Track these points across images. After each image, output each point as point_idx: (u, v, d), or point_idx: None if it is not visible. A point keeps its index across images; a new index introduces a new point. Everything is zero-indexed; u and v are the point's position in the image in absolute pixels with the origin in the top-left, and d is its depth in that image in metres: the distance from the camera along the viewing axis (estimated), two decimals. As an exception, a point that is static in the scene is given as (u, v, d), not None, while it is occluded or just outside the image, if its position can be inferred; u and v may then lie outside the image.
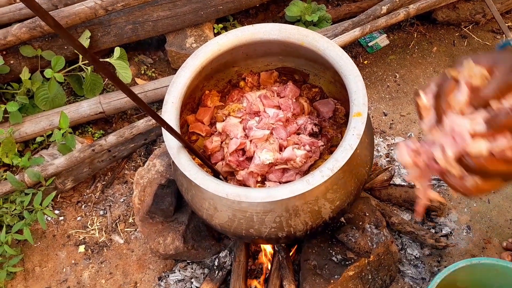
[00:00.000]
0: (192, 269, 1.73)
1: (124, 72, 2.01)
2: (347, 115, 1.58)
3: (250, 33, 1.37)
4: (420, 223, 1.80)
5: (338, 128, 1.58)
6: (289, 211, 1.18)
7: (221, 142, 1.47)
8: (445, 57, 2.34)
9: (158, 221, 1.64)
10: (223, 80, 1.66)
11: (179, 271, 1.74)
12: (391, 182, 1.84)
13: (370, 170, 1.45)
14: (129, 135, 1.92)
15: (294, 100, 1.58)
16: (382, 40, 2.44)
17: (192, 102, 1.61)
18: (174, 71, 2.37)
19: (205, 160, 1.25)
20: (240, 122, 1.47)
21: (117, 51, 2.01)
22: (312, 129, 1.49)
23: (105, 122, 2.21)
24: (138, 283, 1.76)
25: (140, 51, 2.43)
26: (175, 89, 1.32)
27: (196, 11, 2.21)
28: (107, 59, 2.02)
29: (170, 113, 1.28)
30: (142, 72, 2.37)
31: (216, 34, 2.39)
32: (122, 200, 1.98)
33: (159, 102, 2.20)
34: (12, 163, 1.89)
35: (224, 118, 1.53)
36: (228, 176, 1.43)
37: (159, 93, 2.12)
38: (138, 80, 2.34)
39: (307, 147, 1.36)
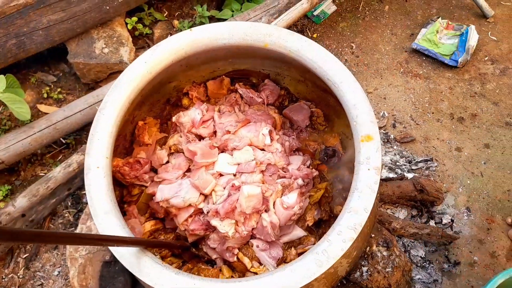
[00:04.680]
0: None
1: (19, 107, 1.49)
2: (327, 119, 1.25)
3: (190, 41, 0.96)
4: (418, 216, 1.58)
5: (319, 138, 1.25)
6: (301, 289, 0.85)
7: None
8: (400, 16, 2.08)
9: (113, 305, 1.23)
10: (158, 102, 1.24)
11: None
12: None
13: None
14: (45, 191, 1.44)
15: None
16: (329, 7, 2.11)
17: (123, 141, 1.18)
18: (86, 86, 1.86)
19: (178, 246, 0.88)
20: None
21: (2, 80, 1.46)
22: (293, 144, 1.16)
23: (9, 172, 1.68)
24: None
25: (37, 68, 1.87)
26: (96, 145, 0.89)
27: (99, 6, 1.70)
28: (-10, 93, 1.48)
29: (96, 183, 0.86)
30: (45, 95, 1.82)
31: (131, 31, 1.90)
32: (56, 273, 1.52)
33: (77, 132, 1.71)
34: None
35: (167, 158, 1.13)
36: (201, 242, 1.06)
37: (72, 122, 1.62)
38: (41, 107, 1.80)
39: (300, 181, 1.02)
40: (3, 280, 1.52)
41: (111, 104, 0.91)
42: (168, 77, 1.13)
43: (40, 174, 1.69)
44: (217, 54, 1.07)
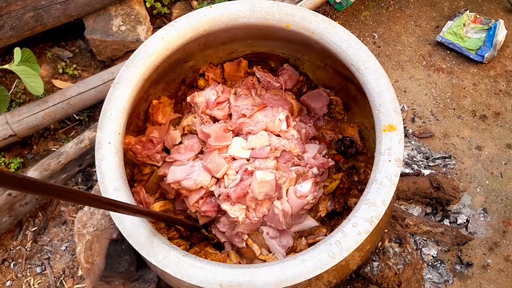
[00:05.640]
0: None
1: (33, 81, 1.48)
2: (346, 107, 1.21)
3: (210, 18, 0.93)
4: (432, 213, 1.54)
5: (337, 127, 1.21)
6: (310, 280, 0.83)
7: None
8: (425, 7, 2.00)
9: (118, 283, 1.22)
10: (174, 81, 1.21)
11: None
12: (395, 173, 1.54)
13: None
14: (56, 166, 1.43)
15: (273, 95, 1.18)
16: (351, -6, 2.04)
17: (136, 119, 1.15)
18: (101, 63, 1.84)
19: (189, 224, 0.86)
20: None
21: (18, 53, 1.45)
22: (310, 132, 1.12)
23: (21, 146, 1.68)
24: None
25: (53, 43, 1.85)
26: (109, 121, 0.86)
27: (117, -18, 1.67)
28: (6, 66, 1.47)
29: (107, 159, 0.84)
30: (60, 71, 1.81)
31: (149, 10, 1.87)
32: (63, 248, 1.53)
33: (90, 109, 1.69)
34: None
35: (180, 138, 1.11)
36: (210, 225, 1.04)
37: (86, 99, 1.60)
38: (56, 82, 1.80)
39: (315, 170, 0.99)
40: (11, 251, 1.52)
41: (126, 79, 0.89)
42: (185, 56, 1.10)
43: (52, 149, 1.68)
44: (236, 34, 1.03)
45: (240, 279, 0.73)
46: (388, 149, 0.78)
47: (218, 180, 1.03)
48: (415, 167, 1.61)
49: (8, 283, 1.48)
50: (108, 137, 0.85)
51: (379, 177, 0.76)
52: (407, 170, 1.59)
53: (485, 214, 1.54)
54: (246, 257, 1.03)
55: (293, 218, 0.99)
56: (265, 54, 1.21)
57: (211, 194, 1.00)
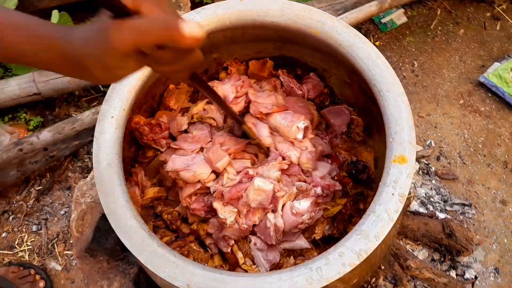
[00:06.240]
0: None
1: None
2: (367, 130, 1.15)
3: (237, 11, 0.90)
4: (439, 261, 1.44)
5: (353, 148, 1.15)
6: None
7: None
8: (474, 44, 1.90)
9: (102, 259, 1.21)
10: (196, 70, 1.19)
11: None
12: (407, 210, 1.46)
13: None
14: (70, 131, 1.45)
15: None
16: (399, 17, 1.97)
17: (151, 100, 1.14)
18: (138, 41, 1.85)
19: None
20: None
21: (55, 16, 1.48)
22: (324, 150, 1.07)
23: (45, 105, 1.72)
24: (78, 327, 1.37)
25: (92, 13, 1.88)
26: (116, 95, 0.85)
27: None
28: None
29: (106, 132, 0.82)
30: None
31: (195, 3, 1.87)
32: (62, 212, 1.54)
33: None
34: None
35: (187, 126, 1.08)
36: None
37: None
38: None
39: (319, 190, 0.94)
40: (13, 205, 1.55)
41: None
42: (209, 46, 1.08)
43: (73, 114, 1.71)
44: (265, 33, 0.99)
45: (210, 284, 0.69)
46: (394, 182, 0.72)
47: (217, 176, 1.00)
48: (431, 207, 1.52)
49: (3, 235, 1.50)
50: (113, 111, 0.84)
51: (378, 209, 0.71)
52: (421, 209, 1.50)
53: (496, 274, 1.44)
54: (229, 263, 0.99)
55: (284, 235, 0.94)
56: (293, 59, 1.17)
57: (205, 192, 0.97)
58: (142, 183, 1.05)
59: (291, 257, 0.95)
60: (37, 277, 1.38)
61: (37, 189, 1.58)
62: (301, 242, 0.94)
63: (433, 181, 1.59)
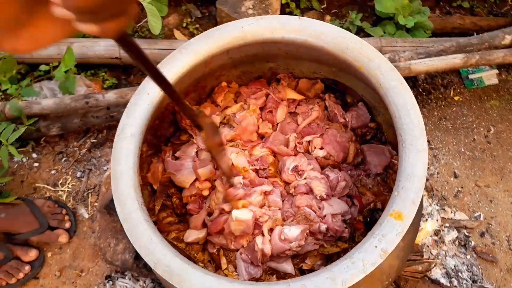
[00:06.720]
0: (145, 284, 1.42)
1: (154, 21, 1.63)
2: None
3: (291, 28, 0.92)
4: None
5: (382, 195, 1.10)
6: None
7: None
8: None
9: (116, 219, 1.31)
10: (251, 74, 1.23)
11: (130, 279, 1.43)
12: (426, 274, 1.35)
13: (402, 270, 1.00)
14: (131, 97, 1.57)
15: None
16: (489, 77, 1.82)
17: (200, 90, 1.21)
18: (220, 35, 1.95)
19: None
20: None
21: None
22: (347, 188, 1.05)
23: (123, 70, 1.89)
24: (84, 272, 1.49)
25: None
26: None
27: (264, -30, 1.74)
28: (141, 0, 1.65)
29: (139, 107, 0.89)
30: (184, 24, 1.98)
31: (283, 6, 1.92)
32: (105, 168, 1.68)
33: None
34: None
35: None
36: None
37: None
38: (177, 34, 1.96)
39: (323, 227, 0.93)
40: (68, 149, 1.73)
41: (193, 49, 0.93)
42: (264, 55, 1.11)
43: (142, 85, 1.85)
44: (318, 55, 1.00)
45: (175, 268, 0.72)
46: (382, 235, 0.68)
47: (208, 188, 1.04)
48: (455, 282, 1.39)
49: (53, 172, 1.69)
50: (150, 89, 0.91)
51: (355, 256, 0.68)
52: (443, 280, 1.38)
53: None
54: (216, 262, 1.01)
55: (271, 257, 0.94)
56: (346, 87, 1.16)
57: (203, 196, 1.01)
58: (166, 160, 1.11)
59: (274, 276, 0.95)
60: (66, 217, 1.53)
61: (92, 141, 1.74)
62: (287, 267, 0.93)
63: (468, 256, 1.45)
